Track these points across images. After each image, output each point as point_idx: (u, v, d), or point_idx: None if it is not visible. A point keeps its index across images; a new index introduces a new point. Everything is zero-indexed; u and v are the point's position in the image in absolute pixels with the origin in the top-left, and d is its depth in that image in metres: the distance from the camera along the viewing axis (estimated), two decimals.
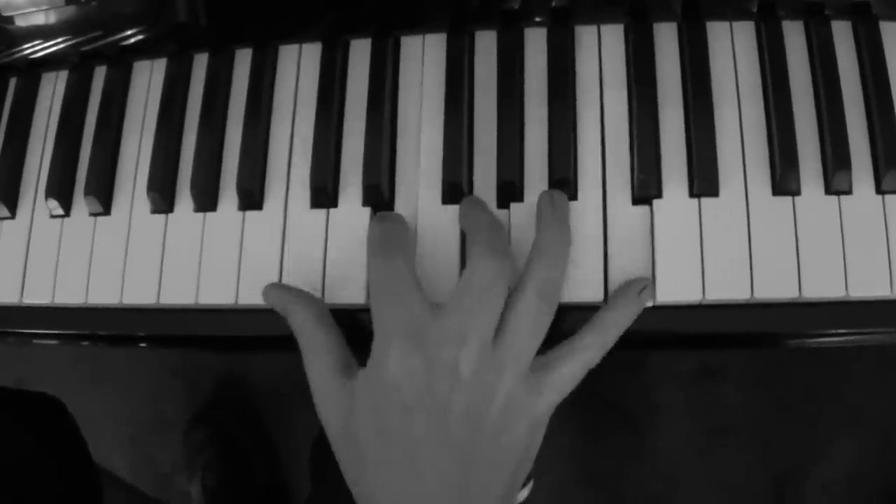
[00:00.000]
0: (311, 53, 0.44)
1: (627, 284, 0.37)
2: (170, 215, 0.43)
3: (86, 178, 0.44)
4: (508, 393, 0.35)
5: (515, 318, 0.35)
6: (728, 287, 0.37)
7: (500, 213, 0.39)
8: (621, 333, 0.36)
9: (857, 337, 0.38)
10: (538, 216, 0.37)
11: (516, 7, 0.41)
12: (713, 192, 0.38)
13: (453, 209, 0.40)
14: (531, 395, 0.35)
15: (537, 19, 0.42)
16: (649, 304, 0.37)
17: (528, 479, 0.61)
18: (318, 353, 0.37)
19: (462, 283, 0.35)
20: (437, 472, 0.34)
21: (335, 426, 0.36)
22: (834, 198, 0.38)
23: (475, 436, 0.34)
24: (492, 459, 0.35)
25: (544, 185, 0.39)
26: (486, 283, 0.35)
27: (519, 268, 0.37)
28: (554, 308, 0.36)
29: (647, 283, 0.37)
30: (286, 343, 0.40)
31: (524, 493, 0.61)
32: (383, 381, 0.35)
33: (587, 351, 0.36)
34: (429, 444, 0.34)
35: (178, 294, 0.41)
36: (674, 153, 0.39)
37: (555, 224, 0.37)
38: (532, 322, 0.35)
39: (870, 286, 0.37)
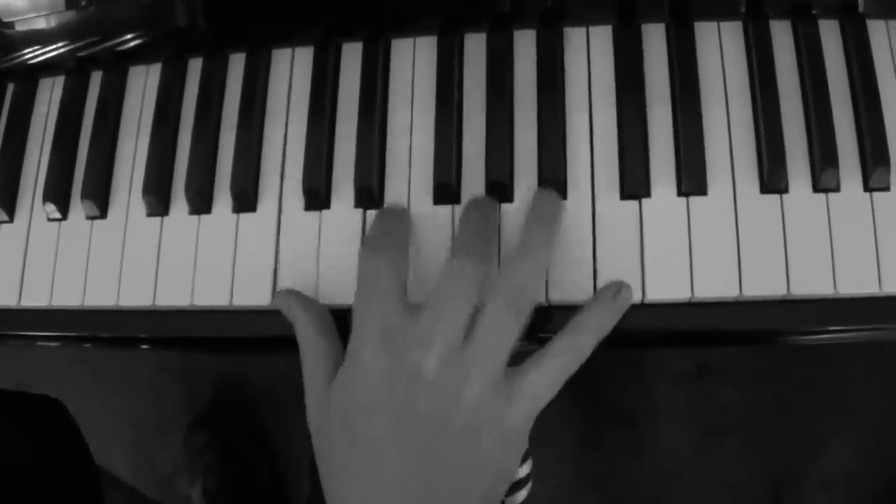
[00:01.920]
0: (304, 57, 0.44)
1: (602, 289, 0.37)
2: (165, 218, 0.43)
3: (82, 181, 0.45)
4: (475, 399, 0.34)
5: (482, 323, 0.34)
6: (717, 285, 0.37)
7: None
8: (600, 338, 0.35)
9: (846, 334, 0.38)
10: (526, 215, 0.37)
11: (506, 9, 0.42)
12: (701, 190, 0.38)
13: (444, 210, 0.40)
14: (501, 403, 0.34)
15: (526, 21, 0.42)
16: (638, 300, 0.38)
17: (527, 479, 0.61)
18: (315, 357, 0.37)
19: (435, 287, 0.35)
20: (399, 479, 0.34)
21: (314, 425, 0.37)
22: (822, 195, 0.38)
23: (439, 443, 0.34)
24: (459, 471, 0.34)
25: (534, 186, 0.40)
26: (453, 286, 0.35)
27: None
28: (525, 313, 0.35)
29: (624, 285, 0.36)
30: (280, 344, 0.41)
31: (522, 494, 0.61)
32: (352, 378, 0.35)
33: (560, 357, 0.35)
34: (390, 448, 0.34)
35: (173, 296, 0.42)
36: (662, 153, 0.39)
37: (539, 226, 0.36)
38: (499, 327, 0.34)
39: (858, 283, 0.37)
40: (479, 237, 0.36)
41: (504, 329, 0.34)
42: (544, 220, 0.37)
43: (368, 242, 0.37)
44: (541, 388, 0.35)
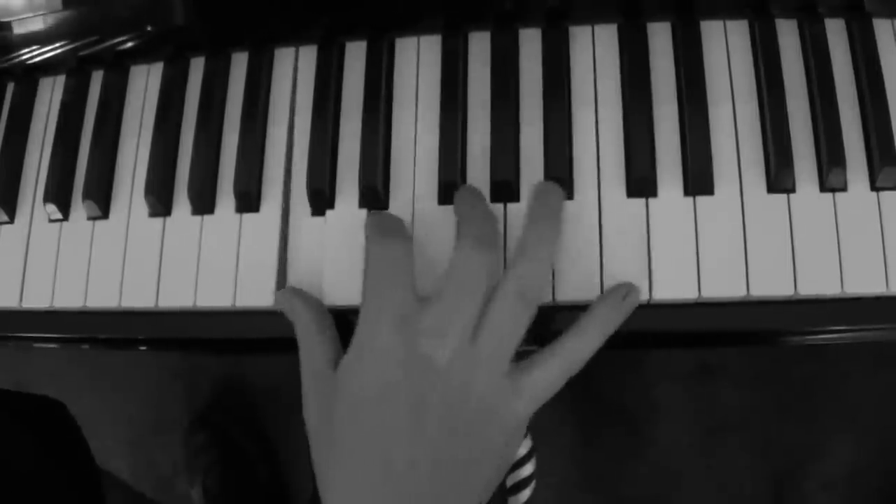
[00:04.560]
0: (307, 56, 0.44)
1: (611, 289, 0.37)
2: (167, 218, 0.43)
3: (84, 182, 0.44)
4: (484, 392, 0.34)
5: (493, 317, 0.35)
6: (724, 285, 0.37)
7: (495, 207, 0.39)
8: (606, 338, 0.36)
9: (853, 334, 0.38)
10: (528, 209, 0.37)
11: (510, 8, 0.41)
12: (708, 190, 0.38)
13: (450, 209, 0.40)
14: (507, 397, 0.35)
15: (532, 20, 0.42)
16: (645, 300, 0.37)
17: (531, 478, 0.61)
18: (314, 349, 0.37)
19: (445, 277, 0.35)
20: (410, 469, 0.33)
21: (313, 418, 0.36)
22: (829, 195, 0.38)
23: (449, 433, 0.34)
24: (465, 461, 0.34)
25: None
26: (466, 277, 0.35)
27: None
28: (534, 307, 0.35)
29: (631, 288, 0.36)
30: (284, 345, 0.40)
31: (526, 494, 0.61)
32: (364, 364, 0.35)
33: (567, 356, 0.35)
34: (402, 437, 0.34)
35: (176, 297, 0.42)
36: (668, 152, 0.39)
37: (542, 219, 0.36)
38: (509, 321, 0.35)
39: (865, 283, 0.37)
40: (486, 226, 0.36)
41: (514, 322, 0.35)
42: (549, 213, 0.37)
43: (377, 228, 0.37)
44: (546, 384, 0.35)
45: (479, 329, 0.35)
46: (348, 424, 0.35)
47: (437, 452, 0.34)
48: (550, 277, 0.37)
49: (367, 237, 0.37)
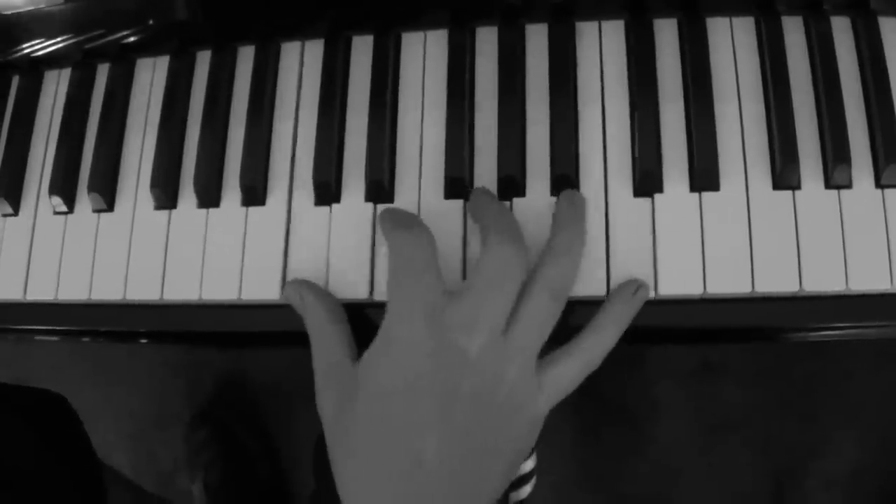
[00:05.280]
0: (314, 50, 0.44)
1: (622, 286, 0.37)
2: (173, 211, 0.43)
3: (89, 174, 0.44)
4: (512, 386, 0.35)
5: (526, 314, 0.35)
6: (729, 281, 0.37)
7: None
8: (620, 334, 0.37)
9: (858, 331, 0.39)
10: (556, 214, 0.38)
11: (517, 3, 0.41)
12: (714, 186, 0.38)
13: (455, 204, 0.40)
14: (532, 391, 0.35)
15: (538, 15, 0.42)
16: (651, 296, 0.38)
17: (532, 474, 0.61)
18: (326, 343, 0.37)
19: (477, 270, 0.35)
20: (439, 459, 0.34)
21: (332, 413, 0.36)
22: (834, 192, 0.38)
23: (477, 426, 0.34)
24: (490, 452, 0.35)
25: (546, 181, 0.40)
26: (500, 271, 0.35)
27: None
28: (562, 305, 0.36)
29: (642, 283, 0.37)
30: (289, 339, 0.40)
31: (527, 490, 0.61)
32: (392, 359, 0.35)
33: (586, 352, 0.36)
34: (431, 429, 0.34)
35: (181, 290, 0.42)
36: (674, 148, 0.39)
37: (572, 223, 0.37)
38: (541, 319, 0.35)
39: (870, 280, 0.37)
40: (514, 223, 0.36)
41: (546, 319, 0.35)
42: (577, 215, 0.37)
43: (396, 221, 0.37)
44: (566, 381, 0.36)
45: (513, 324, 0.35)
46: (373, 417, 0.35)
47: (464, 445, 0.34)
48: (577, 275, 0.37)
49: (386, 231, 0.37)
